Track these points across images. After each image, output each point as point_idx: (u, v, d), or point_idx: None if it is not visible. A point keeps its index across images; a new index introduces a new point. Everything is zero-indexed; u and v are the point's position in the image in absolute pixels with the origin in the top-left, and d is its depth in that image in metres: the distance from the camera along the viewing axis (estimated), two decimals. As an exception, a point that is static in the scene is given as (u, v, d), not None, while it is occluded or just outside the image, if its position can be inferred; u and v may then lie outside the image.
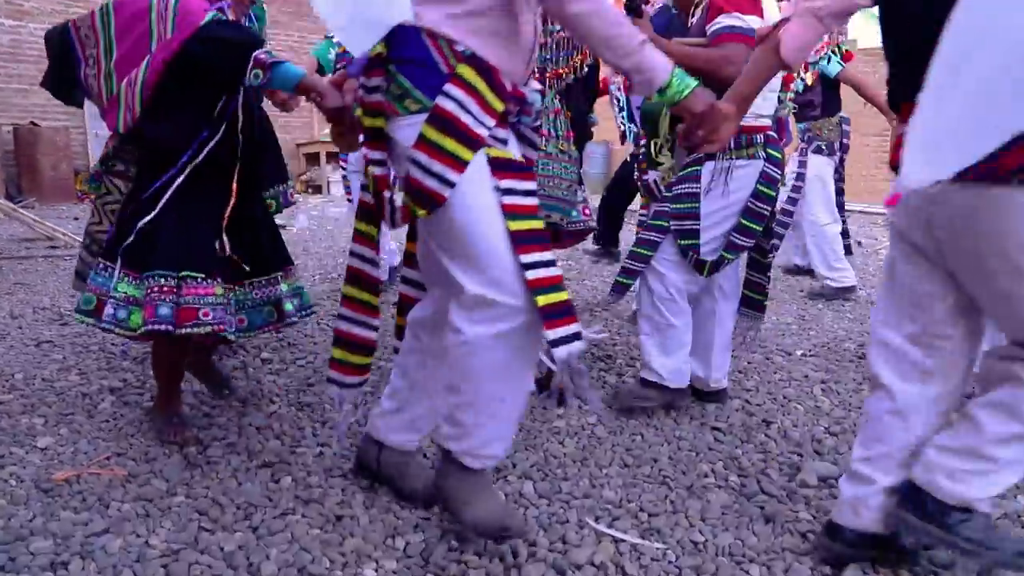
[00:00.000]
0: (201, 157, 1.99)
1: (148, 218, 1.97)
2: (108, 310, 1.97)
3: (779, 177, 2.37)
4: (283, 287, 2.18)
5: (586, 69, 2.55)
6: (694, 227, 2.36)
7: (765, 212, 2.37)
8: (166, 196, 1.97)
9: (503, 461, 2.10)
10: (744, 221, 2.36)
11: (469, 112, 1.47)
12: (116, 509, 1.77)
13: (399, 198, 1.57)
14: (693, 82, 1.52)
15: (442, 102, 1.47)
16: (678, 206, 2.40)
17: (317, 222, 7.79)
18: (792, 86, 2.58)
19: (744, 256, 2.54)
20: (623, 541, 1.70)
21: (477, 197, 1.50)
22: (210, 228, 2.05)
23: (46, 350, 3.01)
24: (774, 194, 2.37)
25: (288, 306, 2.18)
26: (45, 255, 5.30)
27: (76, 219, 7.38)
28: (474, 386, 1.55)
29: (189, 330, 1.94)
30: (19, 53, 9.29)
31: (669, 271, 2.41)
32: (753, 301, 2.62)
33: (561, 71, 2.49)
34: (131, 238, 1.97)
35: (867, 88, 4.42)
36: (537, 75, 2.47)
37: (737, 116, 1.65)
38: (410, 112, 1.51)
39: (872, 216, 10.32)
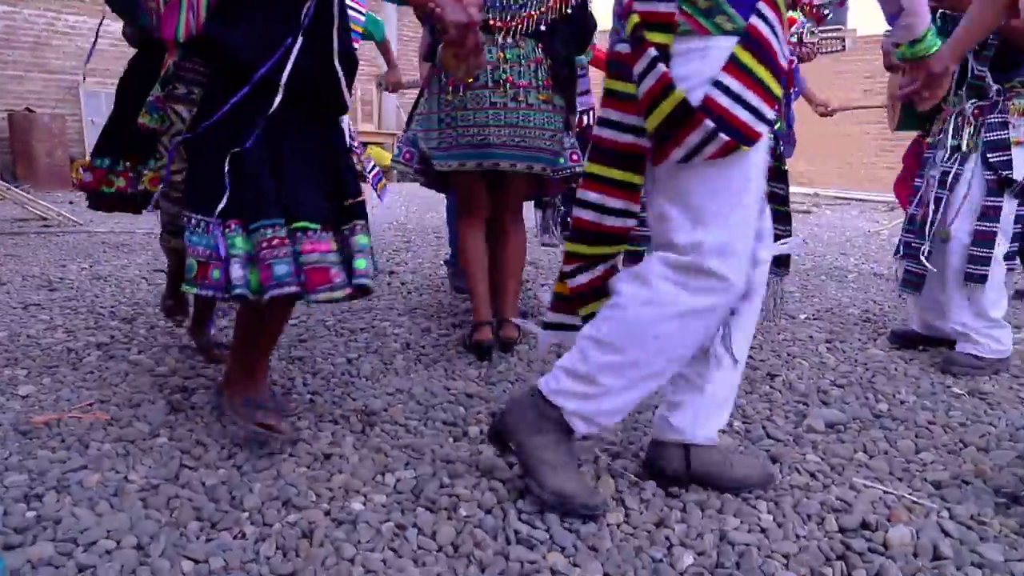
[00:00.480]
0: (287, 74, 1.56)
1: (234, 152, 1.54)
2: (213, 273, 1.54)
3: (772, 117, 2.26)
4: (360, 239, 1.68)
5: (570, 10, 2.45)
6: None
7: None
8: (259, 126, 1.56)
9: (494, 407, 2.03)
10: None
11: (778, 38, 1.28)
12: (96, 449, 1.70)
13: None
14: (939, 42, 1.50)
15: (757, 23, 1.26)
16: None
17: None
18: (793, 28, 2.50)
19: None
20: (623, 477, 1.63)
21: (763, 147, 1.32)
22: (319, 167, 1.66)
23: (33, 312, 2.94)
24: (769, 135, 2.27)
25: (361, 263, 1.66)
26: (37, 232, 5.23)
27: (71, 203, 7.32)
28: (640, 353, 1.38)
29: (326, 294, 1.55)
30: (13, 39, 9.23)
31: None
32: (777, 258, 2.50)
33: (533, 14, 2.40)
34: (227, 182, 1.54)
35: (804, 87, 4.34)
36: (511, 22, 2.39)
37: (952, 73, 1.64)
38: (723, 31, 1.27)
39: (873, 203, 10.27)
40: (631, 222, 1.43)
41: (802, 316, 3.28)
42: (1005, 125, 2.38)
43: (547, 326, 1.59)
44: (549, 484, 1.44)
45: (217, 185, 1.54)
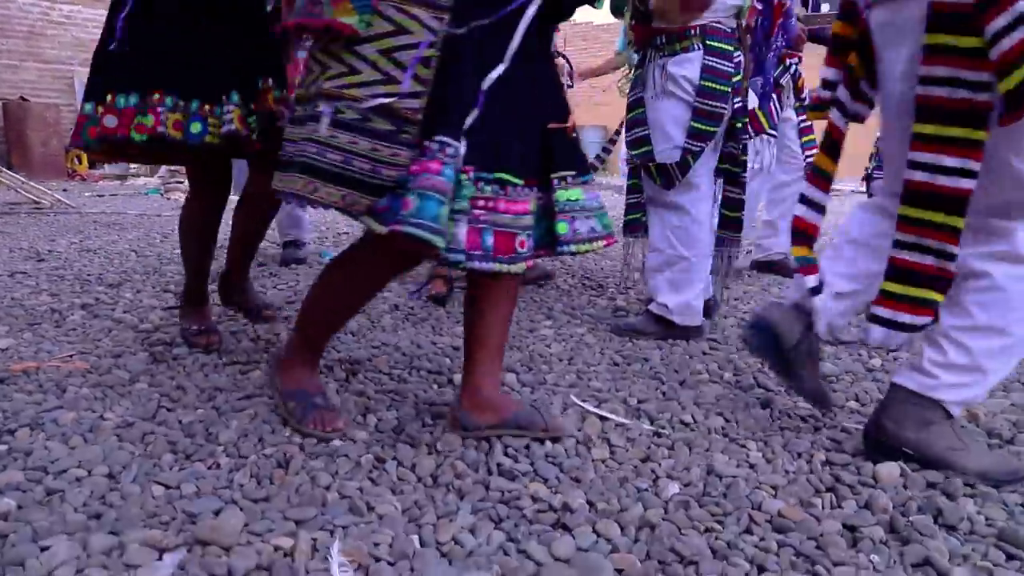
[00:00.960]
0: None
1: (495, 75, 1.23)
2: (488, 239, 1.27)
3: (728, 70, 2.16)
4: (563, 195, 1.39)
5: None
6: (643, 134, 2.24)
7: (718, 110, 2.17)
8: (510, 48, 1.24)
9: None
10: (695, 123, 2.17)
11: None
12: (73, 392, 1.67)
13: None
14: None
15: None
16: (631, 115, 2.29)
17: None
18: None
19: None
20: (609, 419, 1.60)
21: None
22: (537, 104, 1.37)
23: (19, 279, 2.91)
24: (726, 89, 2.17)
25: (562, 226, 1.38)
26: (29, 212, 5.20)
27: (65, 190, 7.30)
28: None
29: (506, 267, 1.31)
30: (8, 28, 9.20)
31: (656, 193, 2.30)
32: (728, 220, 2.44)
33: None
34: (477, 110, 1.23)
35: None
36: None
37: None
38: None
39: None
40: (966, 183, 1.30)
41: (797, 286, 3.25)
42: None
43: (874, 319, 1.47)
44: (971, 468, 1.38)
45: (464, 113, 1.22)
